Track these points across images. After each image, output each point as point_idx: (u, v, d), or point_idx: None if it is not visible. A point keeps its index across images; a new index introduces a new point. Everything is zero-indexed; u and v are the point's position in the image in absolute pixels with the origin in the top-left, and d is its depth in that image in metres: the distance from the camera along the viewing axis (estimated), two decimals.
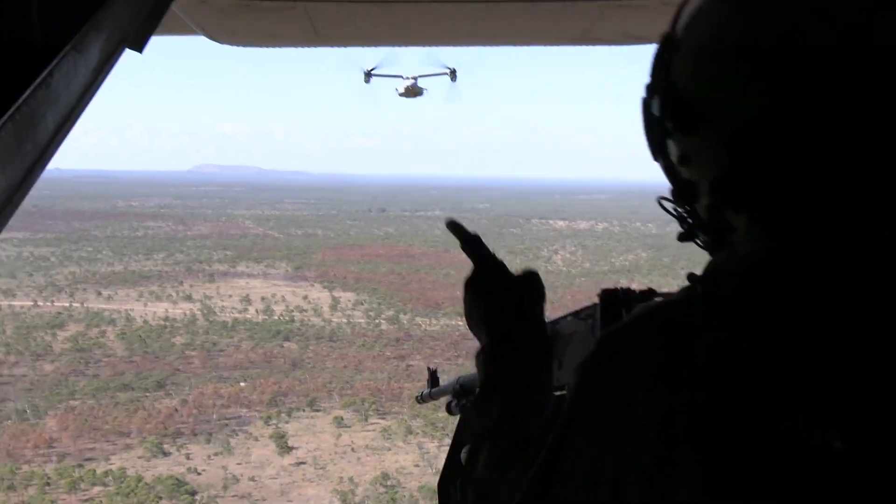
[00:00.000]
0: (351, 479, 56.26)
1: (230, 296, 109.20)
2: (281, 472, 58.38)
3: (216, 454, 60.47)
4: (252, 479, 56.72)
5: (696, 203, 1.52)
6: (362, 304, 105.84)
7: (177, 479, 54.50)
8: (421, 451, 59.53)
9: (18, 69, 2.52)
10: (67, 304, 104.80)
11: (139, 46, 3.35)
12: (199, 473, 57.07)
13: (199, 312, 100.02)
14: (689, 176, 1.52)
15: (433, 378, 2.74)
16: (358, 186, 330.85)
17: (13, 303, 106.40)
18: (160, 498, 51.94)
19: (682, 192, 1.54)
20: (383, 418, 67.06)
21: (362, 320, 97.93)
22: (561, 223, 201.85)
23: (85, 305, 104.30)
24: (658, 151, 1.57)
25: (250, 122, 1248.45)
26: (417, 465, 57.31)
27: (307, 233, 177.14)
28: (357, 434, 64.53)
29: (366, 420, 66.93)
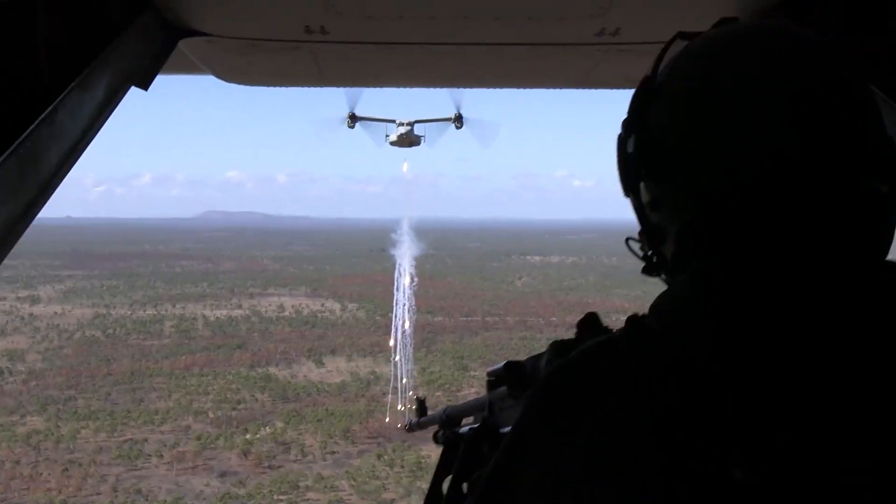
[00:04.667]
0: (357, 374, 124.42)
1: (268, 305, 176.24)
2: (319, 374, 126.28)
3: (283, 371, 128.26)
4: (305, 376, 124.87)
5: (662, 246, 1.77)
6: (363, 308, 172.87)
7: (266, 376, 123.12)
8: (393, 366, 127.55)
9: (24, 104, 3.14)
10: (155, 313, 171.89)
11: (145, 84, 4.34)
12: (277, 377, 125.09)
13: (249, 313, 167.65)
14: (658, 220, 1.76)
15: (421, 406, 3.29)
16: (360, 229, 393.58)
17: (113, 311, 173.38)
18: (260, 383, 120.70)
19: (650, 235, 1.79)
20: (374, 358, 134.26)
21: (363, 316, 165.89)
22: (537, 258, 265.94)
23: (169, 312, 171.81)
24: (630, 189, 1.81)
25: (254, 169, 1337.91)
26: (390, 372, 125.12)
27: (318, 268, 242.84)
28: (359, 362, 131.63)
29: (363, 358, 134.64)
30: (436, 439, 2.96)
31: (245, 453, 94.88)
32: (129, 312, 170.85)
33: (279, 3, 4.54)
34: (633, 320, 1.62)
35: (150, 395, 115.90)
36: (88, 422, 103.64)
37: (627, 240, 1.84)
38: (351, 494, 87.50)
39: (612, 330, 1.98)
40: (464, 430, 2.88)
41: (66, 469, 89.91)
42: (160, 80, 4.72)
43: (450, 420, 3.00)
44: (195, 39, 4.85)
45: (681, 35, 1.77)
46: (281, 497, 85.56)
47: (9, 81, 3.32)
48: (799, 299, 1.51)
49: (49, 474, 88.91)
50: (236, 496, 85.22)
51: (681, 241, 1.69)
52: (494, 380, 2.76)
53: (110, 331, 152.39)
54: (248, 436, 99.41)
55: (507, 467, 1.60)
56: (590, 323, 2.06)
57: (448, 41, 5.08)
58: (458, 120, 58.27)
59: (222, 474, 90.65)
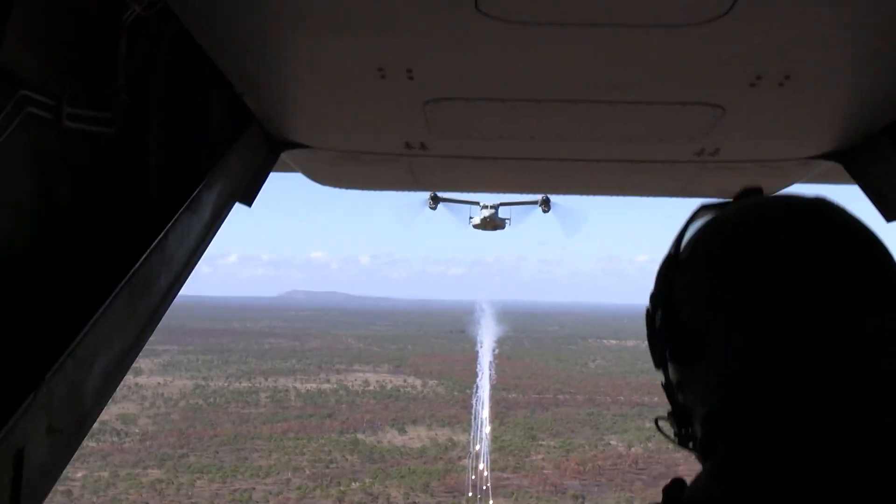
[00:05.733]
0: (437, 441, 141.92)
1: (354, 380, 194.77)
2: (402, 440, 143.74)
3: (370, 437, 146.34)
4: (389, 442, 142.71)
5: (690, 427, 1.79)
6: (443, 384, 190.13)
7: (354, 441, 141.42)
8: (464, 429, 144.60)
9: (137, 230, 3.46)
10: (250, 385, 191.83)
11: (249, 200, 4.87)
12: (365, 442, 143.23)
13: (337, 387, 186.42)
14: (685, 401, 1.78)
15: None
16: (441, 311, 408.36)
17: (211, 383, 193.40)
18: (349, 446, 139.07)
19: (678, 416, 1.81)
20: (452, 428, 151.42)
21: (443, 391, 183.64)
22: (613, 342, 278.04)
23: (262, 384, 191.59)
24: (659, 365, 1.83)
25: (338, 250, 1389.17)
26: (466, 440, 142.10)
27: (400, 347, 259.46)
28: (438, 431, 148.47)
29: (442, 427, 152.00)
30: None
31: (339, 500, 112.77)
32: (226, 384, 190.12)
33: (382, 123, 4.92)
34: None
35: (252, 454, 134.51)
36: (201, 474, 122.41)
37: (656, 420, 1.87)
38: None
39: None
40: None
41: None
42: None
43: None
44: (295, 150, 5.26)
45: (704, 207, 1.79)
46: None
47: (124, 208, 3.60)
48: (820, 491, 1.51)
49: None
50: None
51: (706, 426, 1.70)
52: None
53: (211, 399, 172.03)
54: (341, 487, 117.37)
55: None
56: (675, 489, 1.89)
57: (544, 157, 5.42)
58: (546, 204, 56.04)
59: None
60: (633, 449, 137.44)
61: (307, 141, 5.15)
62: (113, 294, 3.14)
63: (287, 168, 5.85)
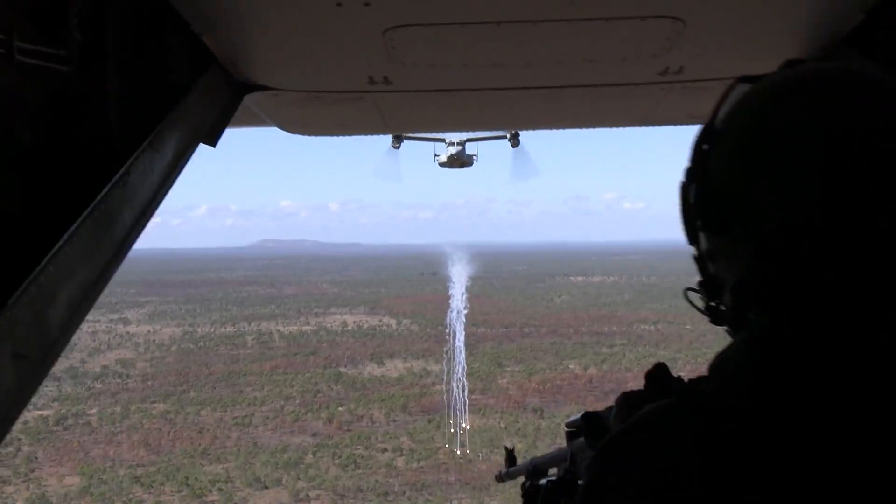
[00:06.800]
0: (412, 370, 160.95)
1: (333, 322, 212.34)
2: (381, 371, 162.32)
3: (351, 370, 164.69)
4: (369, 373, 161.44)
5: (721, 299, 1.81)
6: (416, 323, 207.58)
7: (337, 374, 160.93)
8: (437, 360, 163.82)
9: (97, 167, 3.25)
10: (235, 329, 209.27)
11: (213, 141, 4.56)
12: (347, 374, 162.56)
13: (317, 328, 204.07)
14: (716, 272, 1.80)
15: (510, 457, 3.41)
16: (411, 254, 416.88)
17: (199, 329, 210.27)
18: (333, 378, 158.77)
19: (708, 287, 1.83)
20: (426, 360, 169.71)
21: (416, 329, 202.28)
22: (579, 279, 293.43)
23: (247, 329, 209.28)
24: (692, 239, 1.86)
25: (307, 198, 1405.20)
26: (440, 369, 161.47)
27: (373, 291, 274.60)
28: (413, 362, 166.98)
29: (417, 360, 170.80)
30: (523, 489, 3.08)
31: (329, 420, 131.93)
32: (213, 330, 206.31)
33: (343, 56, 4.76)
34: (687, 387, 1.72)
35: (246, 388, 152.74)
36: (203, 406, 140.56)
37: (686, 290, 1.88)
38: (409, 443, 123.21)
39: (681, 378, 1.96)
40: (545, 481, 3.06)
41: (199, 432, 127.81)
42: None
43: (536, 470, 3.14)
44: (260, 94, 5.18)
45: (742, 79, 1.79)
46: (359, 446, 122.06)
47: (82, 145, 3.47)
48: (852, 361, 1.52)
49: (187, 435, 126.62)
50: (326, 446, 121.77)
51: (736, 294, 1.72)
52: (574, 431, 2.84)
53: (200, 343, 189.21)
54: (329, 411, 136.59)
55: None
56: (658, 374, 1.98)
57: (510, 86, 5.35)
58: (515, 138, 54.29)
59: (314, 434, 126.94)
60: (588, 371, 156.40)
61: (269, 82, 5.16)
62: (75, 225, 3.11)
63: (257, 119, 6.03)
